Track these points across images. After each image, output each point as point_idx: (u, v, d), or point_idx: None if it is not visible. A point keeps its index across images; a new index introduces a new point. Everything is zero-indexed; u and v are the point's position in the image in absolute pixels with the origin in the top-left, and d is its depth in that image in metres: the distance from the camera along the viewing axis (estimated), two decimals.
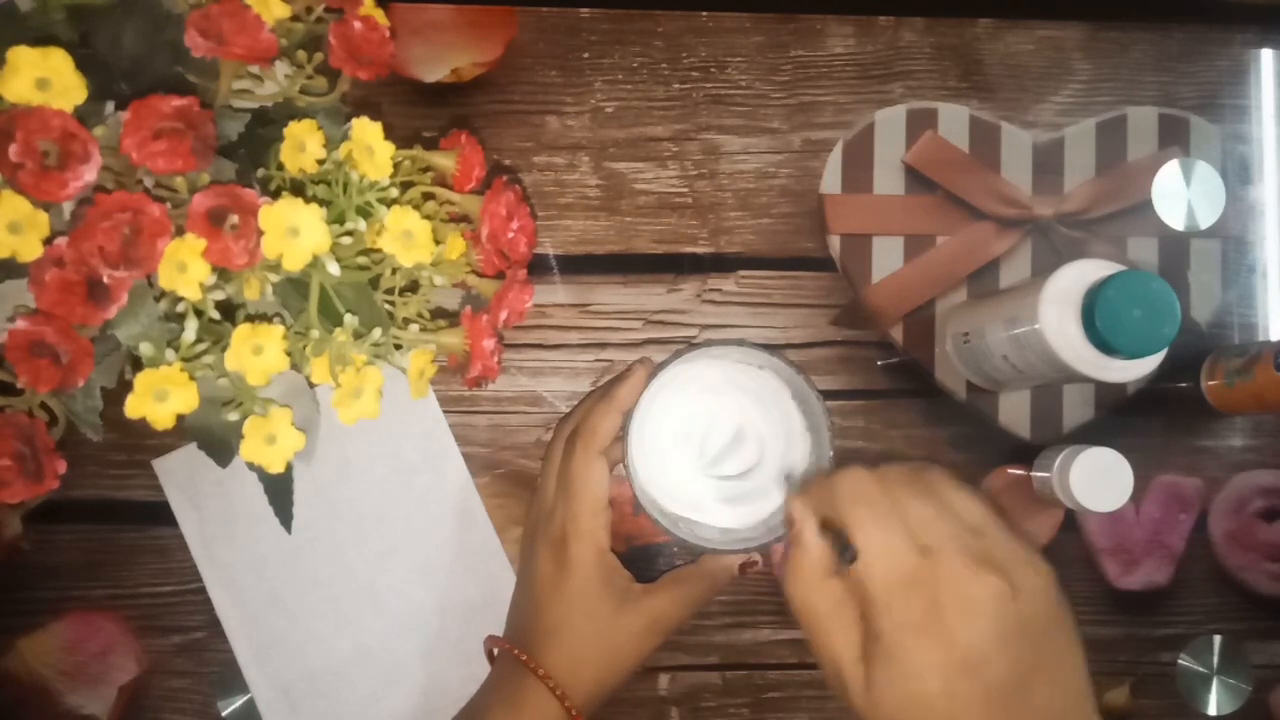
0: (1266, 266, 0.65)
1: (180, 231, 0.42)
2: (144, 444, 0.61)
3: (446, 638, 0.62)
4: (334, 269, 0.45)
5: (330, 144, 0.46)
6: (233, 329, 0.43)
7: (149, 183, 0.44)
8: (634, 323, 0.63)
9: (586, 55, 0.64)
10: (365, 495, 0.62)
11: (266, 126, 0.48)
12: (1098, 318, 0.49)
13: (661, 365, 0.53)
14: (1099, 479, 0.56)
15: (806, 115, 0.65)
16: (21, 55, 0.40)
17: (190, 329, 0.43)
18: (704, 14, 0.64)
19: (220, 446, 0.49)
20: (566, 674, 0.51)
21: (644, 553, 0.62)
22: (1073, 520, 0.63)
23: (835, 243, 0.63)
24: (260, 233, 0.43)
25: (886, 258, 0.63)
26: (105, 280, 0.41)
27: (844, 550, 0.40)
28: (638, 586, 0.54)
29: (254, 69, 0.48)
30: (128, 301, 0.42)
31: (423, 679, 0.61)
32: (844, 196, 0.63)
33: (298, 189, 0.46)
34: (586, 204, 0.64)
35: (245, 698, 0.61)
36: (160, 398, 0.43)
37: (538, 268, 0.63)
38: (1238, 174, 0.65)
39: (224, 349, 0.43)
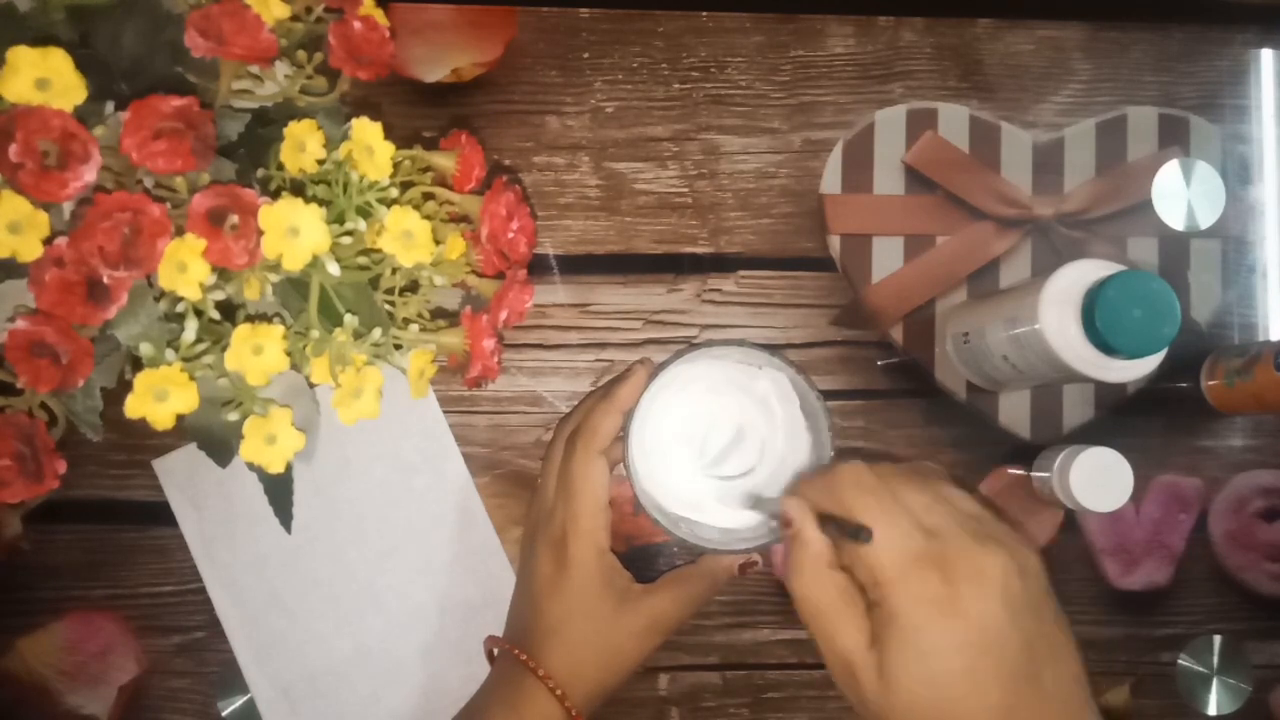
0: (1266, 266, 0.65)
1: (180, 231, 0.42)
2: (144, 444, 0.61)
3: (446, 638, 0.62)
4: (334, 269, 0.45)
5: (330, 144, 0.46)
6: (233, 329, 0.43)
7: (149, 183, 0.44)
8: (634, 323, 0.63)
9: (586, 55, 0.64)
10: (365, 495, 0.62)
11: (266, 126, 0.48)
12: (1098, 318, 0.49)
13: (662, 365, 0.53)
14: (1099, 479, 0.56)
15: (806, 115, 0.65)
16: (21, 55, 0.40)
17: (190, 329, 0.43)
18: (704, 14, 0.64)
19: (220, 446, 0.49)
20: (566, 674, 0.51)
21: (644, 553, 0.62)
22: (1073, 520, 0.63)
23: (835, 243, 0.63)
24: (260, 233, 0.43)
25: (886, 258, 0.63)
26: (105, 280, 0.41)
27: (856, 533, 0.40)
28: (638, 586, 0.54)
29: (254, 69, 0.48)
30: (128, 301, 0.42)
31: (423, 679, 0.61)
32: (844, 196, 0.63)
33: (298, 189, 0.46)
34: (586, 204, 0.64)
35: (245, 698, 0.61)
36: (160, 398, 0.43)
37: (538, 268, 0.63)
38: (1238, 174, 0.65)
39: (224, 349, 0.43)
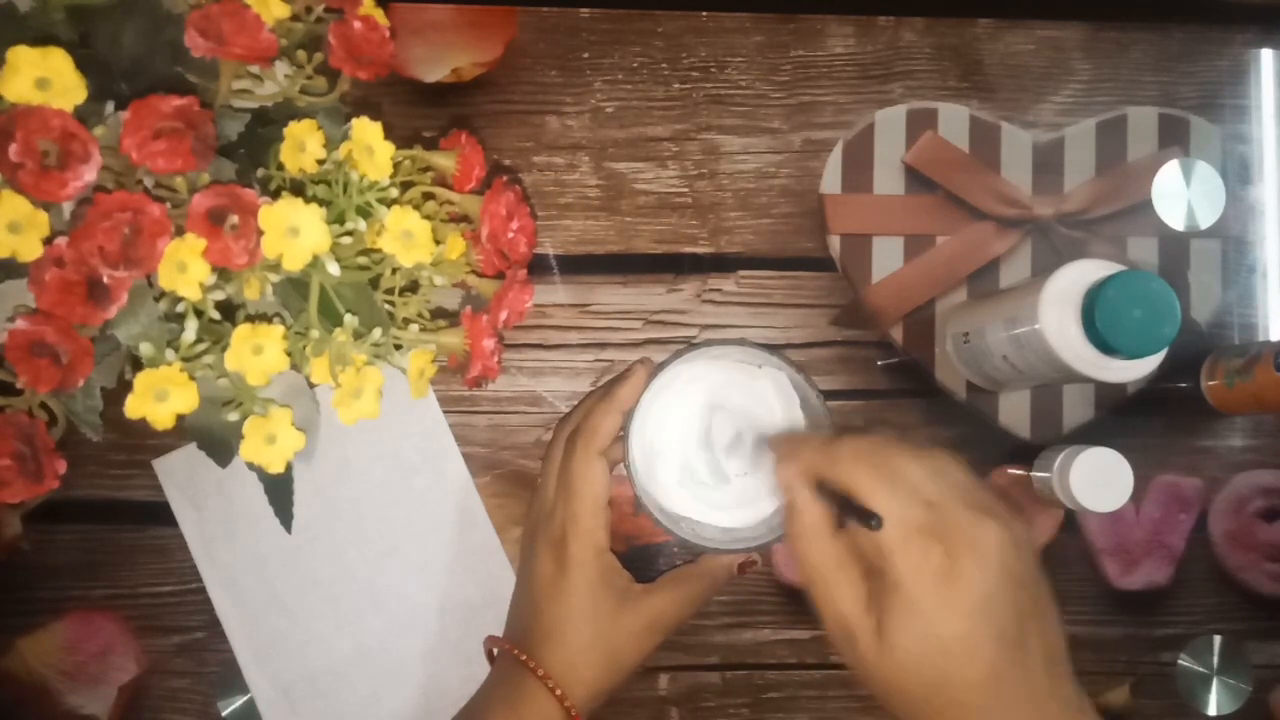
0: (1266, 266, 0.65)
1: (180, 231, 0.42)
2: (144, 444, 0.61)
3: (446, 638, 0.62)
4: (334, 269, 0.45)
5: (330, 144, 0.46)
6: (233, 329, 0.43)
7: (149, 183, 0.44)
8: (634, 323, 0.63)
9: (586, 55, 0.64)
10: (365, 495, 0.62)
11: (266, 126, 0.48)
12: (1098, 318, 0.49)
13: (662, 365, 0.53)
14: (1099, 479, 0.56)
15: (806, 115, 0.65)
16: (21, 55, 0.40)
17: (190, 329, 0.43)
18: (704, 14, 0.64)
19: (220, 446, 0.49)
20: (566, 674, 0.51)
21: (644, 553, 0.62)
22: (1073, 520, 0.63)
23: (835, 243, 0.63)
24: (260, 233, 0.43)
25: (886, 258, 0.63)
26: (105, 280, 0.41)
27: (868, 519, 0.41)
28: (637, 586, 0.54)
29: (254, 69, 0.48)
30: (128, 301, 0.42)
31: (423, 679, 0.61)
32: (844, 196, 0.63)
33: (298, 189, 0.46)
34: (586, 204, 0.64)
35: (245, 698, 0.61)
36: (160, 398, 0.43)
37: (538, 268, 0.63)
38: (1238, 174, 0.65)
39: (224, 349, 0.43)
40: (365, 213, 0.47)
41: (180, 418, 0.43)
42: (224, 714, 0.61)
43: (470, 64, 0.63)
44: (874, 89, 0.65)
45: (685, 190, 0.64)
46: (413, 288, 0.51)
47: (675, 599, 0.54)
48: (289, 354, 0.44)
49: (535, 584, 0.54)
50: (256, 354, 0.44)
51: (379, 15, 0.49)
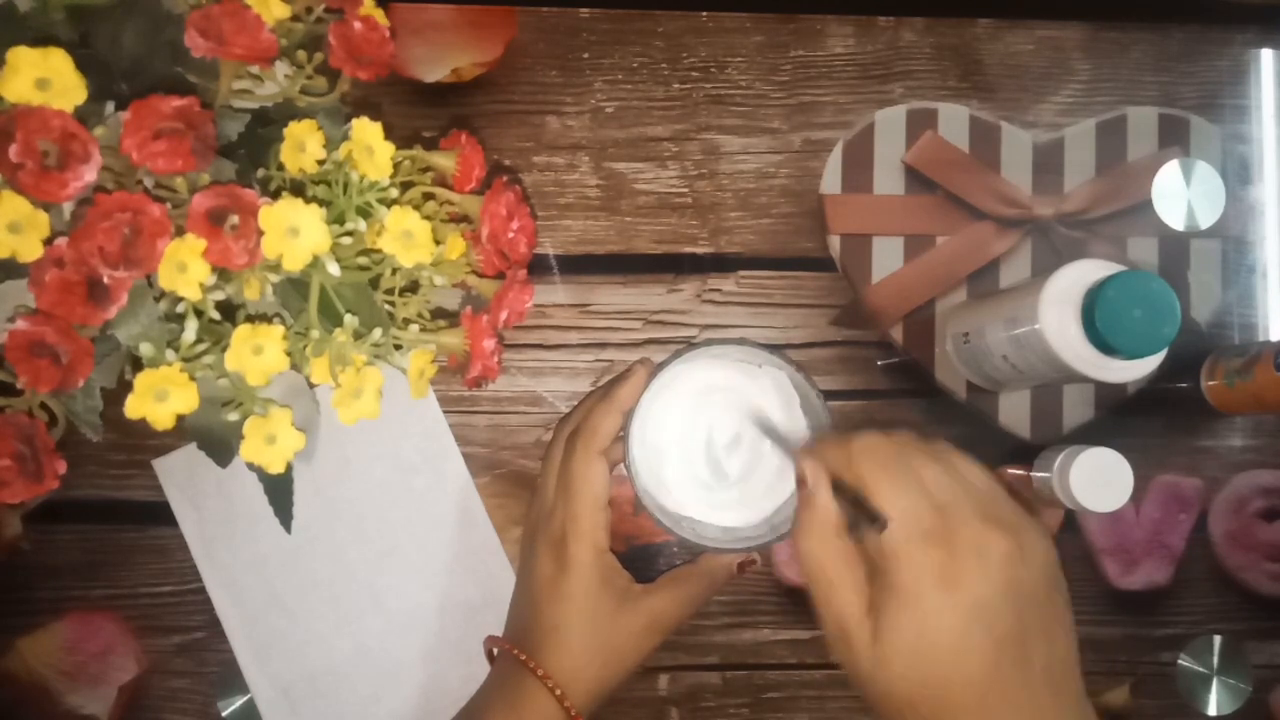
0: (1266, 266, 0.65)
1: (180, 231, 0.42)
2: (144, 444, 0.61)
3: (446, 638, 0.62)
4: (334, 269, 0.45)
5: (330, 144, 0.46)
6: (233, 329, 0.43)
7: (149, 183, 0.44)
8: (634, 323, 0.63)
9: (586, 55, 0.64)
10: (365, 495, 0.62)
11: (266, 126, 0.48)
12: (1098, 318, 0.49)
13: (662, 365, 0.53)
14: (1099, 479, 0.56)
15: (806, 115, 0.65)
16: (21, 55, 0.40)
17: (190, 329, 0.43)
18: (704, 14, 0.64)
19: (220, 446, 0.49)
20: (566, 674, 0.51)
21: (644, 553, 0.62)
22: (1073, 520, 0.63)
23: (835, 243, 0.63)
24: (260, 233, 0.43)
25: (886, 258, 0.63)
26: (105, 280, 0.41)
27: (874, 518, 0.41)
28: (637, 586, 0.54)
29: (254, 69, 0.48)
30: (128, 301, 0.42)
31: (423, 679, 0.61)
32: (844, 196, 0.63)
33: (298, 189, 0.46)
34: (586, 204, 0.64)
35: (245, 698, 0.61)
36: (160, 398, 0.43)
37: (538, 268, 0.63)
38: (1238, 174, 0.65)
39: (224, 349, 0.43)
40: (365, 213, 0.47)
41: (180, 418, 0.43)
42: (224, 714, 0.61)
43: (470, 64, 0.63)
44: (874, 89, 0.65)
45: (685, 190, 0.64)
46: (413, 288, 0.51)
47: (675, 599, 0.54)
48: (289, 354, 0.44)
49: (535, 584, 0.54)
50: (256, 354, 0.44)
51: (379, 15, 0.49)
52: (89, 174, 0.40)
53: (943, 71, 0.65)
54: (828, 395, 0.54)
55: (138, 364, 0.43)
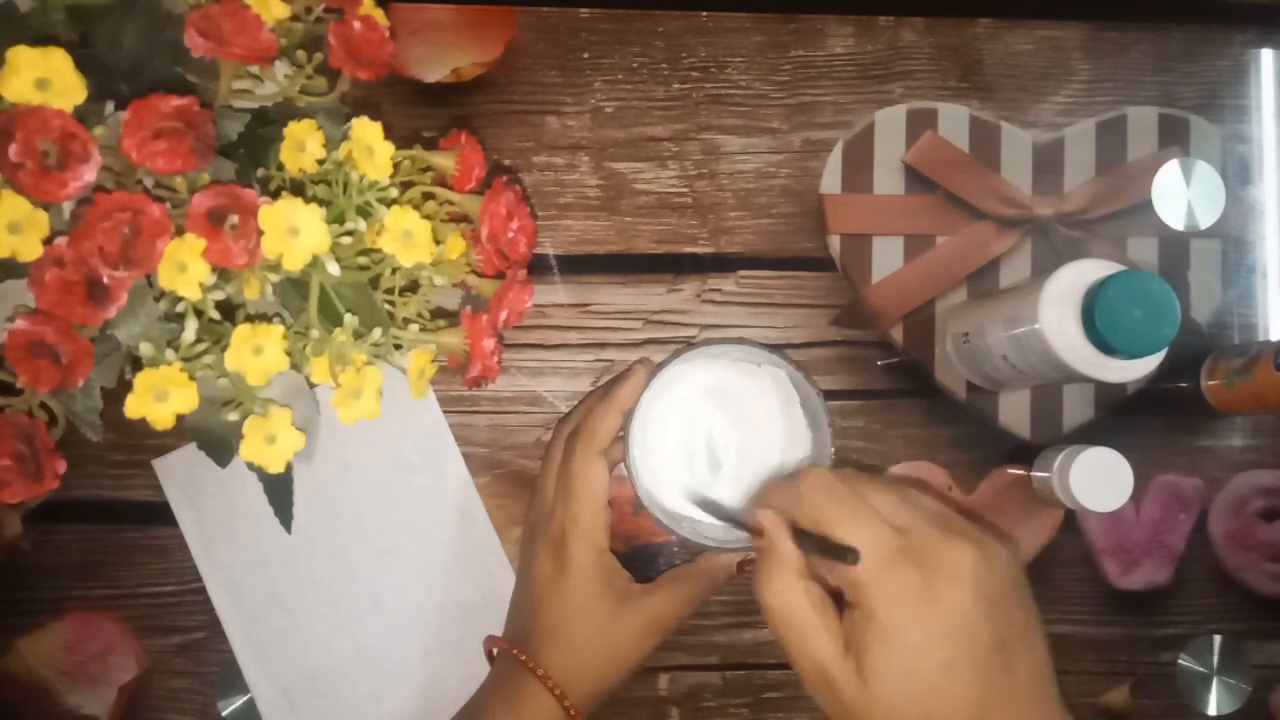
0: (1266, 266, 0.65)
1: (180, 231, 0.42)
2: (144, 444, 0.61)
3: (446, 638, 0.62)
4: (334, 269, 0.45)
5: (330, 144, 0.46)
6: (233, 329, 0.43)
7: (149, 183, 0.44)
8: (634, 323, 0.63)
9: (586, 55, 0.64)
10: (365, 495, 0.62)
11: (266, 126, 0.48)
12: (1098, 318, 0.49)
13: (662, 365, 0.53)
14: (1099, 479, 0.56)
15: (806, 115, 0.65)
16: (21, 55, 0.40)
17: (190, 329, 0.43)
18: (704, 14, 0.64)
19: (220, 446, 0.49)
20: (566, 674, 0.51)
21: (644, 553, 0.62)
22: (1073, 520, 0.63)
23: (835, 243, 0.63)
24: (260, 233, 0.43)
25: (886, 258, 0.63)
26: (105, 280, 0.41)
27: (843, 554, 0.40)
28: (637, 586, 0.54)
29: (254, 69, 0.48)
30: (128, 301, 0.42)
31: (423, 679, 0.61)
32: (844, 196, 0.63)
33: (298, 189, 0.46)
34: (586, 204, 0.64)
35: (245, 698, 0.61)
36: (160, 398, 0.43)
37: (538, 268, 0.63)
38: (1238, 174, 0.65)
39: (224, 349, 0.43)
40: (365, 213, 0.47)
41: (180, 418, 0.43)
42: (224, 714, 0.61)
43: (470, 64, 0.63)
44: (874, 89, 0.65)
45: (685, 190, 0.64)
46: (413, 288, 0.51)
47: (675, 598, 0.54)
48: (289, 354, 0.44)
49: (535, 584, 0.54)
50: (256, 354, 0.44)
51: (379, 15, 0.49)
52: (89, 174, 0.40)
53: (943, 71, 0.65)
54: (828, 395, 0.54)
55: (138, 364, 0.43)
